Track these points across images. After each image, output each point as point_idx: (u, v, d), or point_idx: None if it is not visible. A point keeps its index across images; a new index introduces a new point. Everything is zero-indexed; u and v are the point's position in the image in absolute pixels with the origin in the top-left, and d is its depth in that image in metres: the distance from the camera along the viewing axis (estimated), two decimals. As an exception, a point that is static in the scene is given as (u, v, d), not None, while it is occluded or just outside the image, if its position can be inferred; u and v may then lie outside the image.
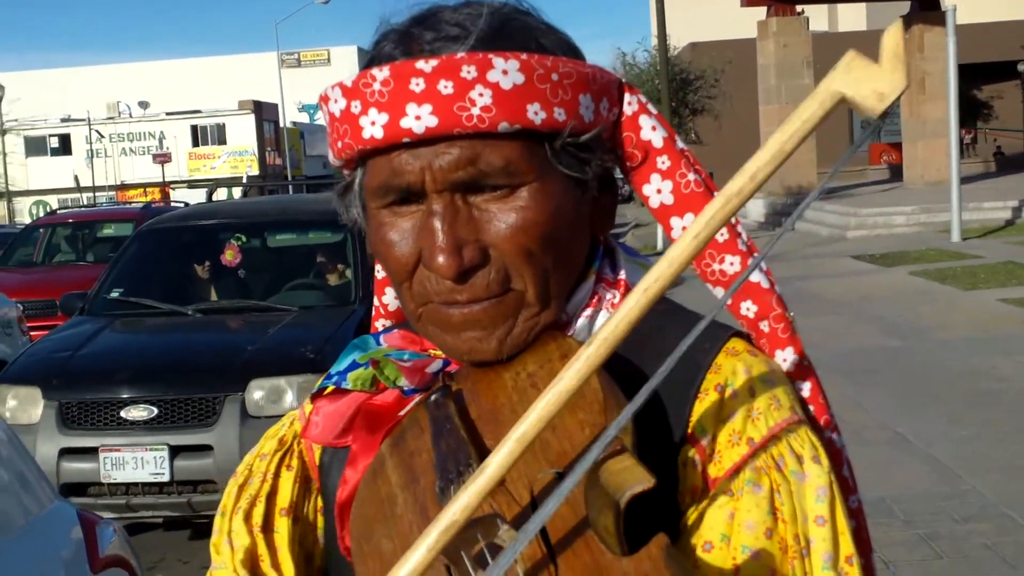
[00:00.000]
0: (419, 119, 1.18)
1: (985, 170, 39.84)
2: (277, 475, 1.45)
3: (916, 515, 6.87)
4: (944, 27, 24.59)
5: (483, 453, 1.16)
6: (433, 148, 1.20)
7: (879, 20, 52.72)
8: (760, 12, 32.64)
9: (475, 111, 1.17)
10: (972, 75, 43.83)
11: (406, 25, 1.27)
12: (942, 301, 15.42)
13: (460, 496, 0.99)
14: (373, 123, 1.20)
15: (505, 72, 1.18)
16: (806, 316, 13.73)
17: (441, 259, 1.20)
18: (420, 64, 1.18)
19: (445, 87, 1.17)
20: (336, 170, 1.36)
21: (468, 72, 1.17)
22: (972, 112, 47.81)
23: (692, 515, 1.20)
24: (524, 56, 1.19)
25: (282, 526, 1.42)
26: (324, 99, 1.28)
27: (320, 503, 1.45)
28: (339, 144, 1.26)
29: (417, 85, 1.18)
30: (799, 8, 32.61)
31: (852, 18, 61.10)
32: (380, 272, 1.54)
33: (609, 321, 0.99)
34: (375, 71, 1.20)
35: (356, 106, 1.22)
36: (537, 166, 1.22)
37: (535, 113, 1.19)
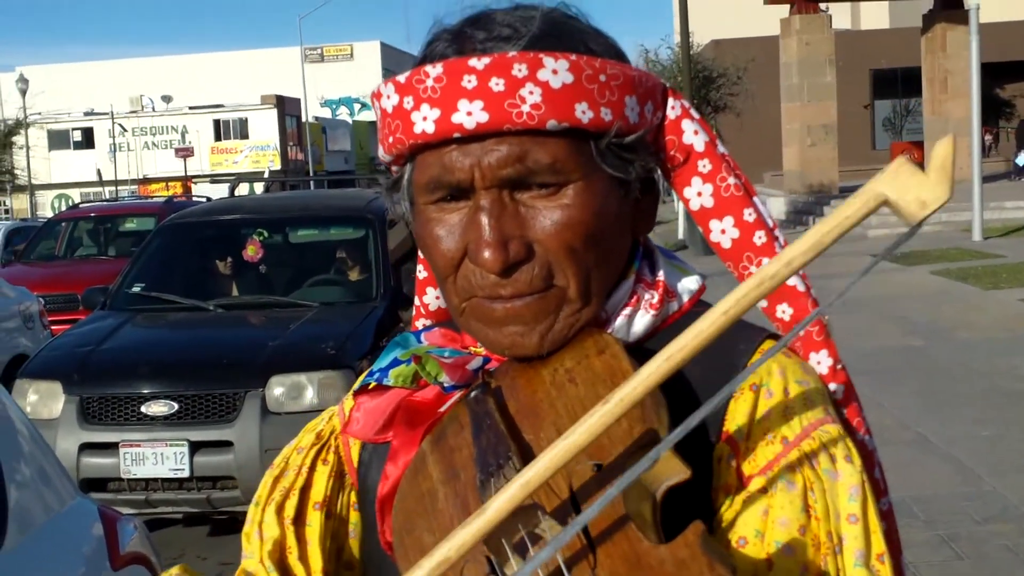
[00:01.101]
0: (470, 115, 1.21)
1: (1007, 169, 39.68)
2: (312, 469, 1.48)
3: (937, 516, 6.85)
4: (967, 26, 24.46)
5: (522, 447, 1.19)
6: (482, 144, 1.23)
7: (902, 18, 52.49)
8: (783, 9, 32.51)
9: (525, 108, 1.20)
10: (994, 74, 43.65)
11: (459, 25, 1.30)
12: (963, 301, 15.38)
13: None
14: (425, 118, 1.23)
15: (555, 71, 1.21)
16: (843, 315, 13.68)
17: (487, 253, 1.23)
18: (472, 61, 1.21)
19: (496, 84, 1.20)
20: (384, 166, 1.38)
21: (519, 70, 1.20)
22: (994, 111, 47.60)
23: (726, 511, 1.22)
24: (573, 57, 1.23)
25: (315, 520, 1.46)
26: (377, 95, 1.30)
27: (353, 499, 1.48)
28: (390, 139, 1.29)
29: (469, 82, 1.21)
30: (822, 6, 32.47)
31: (875, 16, 60.85)
32: (422, 272, 1.58)
33: (629, 382, 1.03)
34: (428, 68, 1.23)
35: (409, 101, 1.24)
36: (583, 165, 1.25)
37: (583, 112, 1.22)
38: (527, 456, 1.16)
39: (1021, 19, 46.86)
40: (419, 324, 1.59)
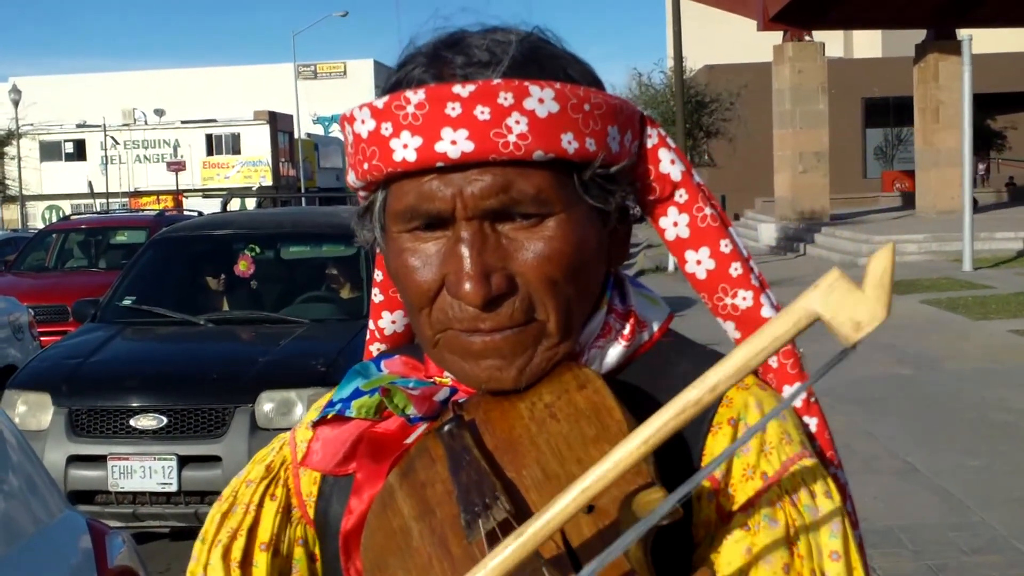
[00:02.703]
0: (455, 144, 1.16)
1: (997, 200, 39.84)
2: (260, 505, 1.44)
3: (925, 546, 6.84)
4: (959, 56, 24.54)
5: (506, 484, 1.16)
6: (464, 174, 1.19)
7: (894, 48, 52.72)
8: (776, 36, 32.66)
9: (511, 138, 1.17)
10: (986, 105, 43.84)
11: (434, 48, 1.26)
12: (953, 331, 15.40)
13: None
14: (405, 146, 1.18)
15: (541, 100, 1.18)
16: (815, 342, 13.63)
17: (468, 286, 1.19)
18: (457, 88, 1.17)
19: (482, 113, 1.16)
20: (352, 191, 1.34)
21: (505, 99, 1.17)
22: (986, 142, 47.77)
23: (707, 549, 1.20)
24: (558, 85, 1.19)
25: (261, 561, 1.42)
26: (349, 120, 1.26)
27: (299, 533, 1.45)
28: (365, 165, 1.24)
29: (453, 109, 1.17)
30: (815, 33, 32.62)
31: (867, 45, 61.14)
32: (377, 296, 1.55)
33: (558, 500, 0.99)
34: (409, 93, 1.18)
35: (387, 128, 1.20)
36: (565, 196, 1.22)
37: (568, 143, 1.19)
38: (512, 495, 1.14)
39: (1013, 51, 47.11)
40: (372, 348, 1.57)
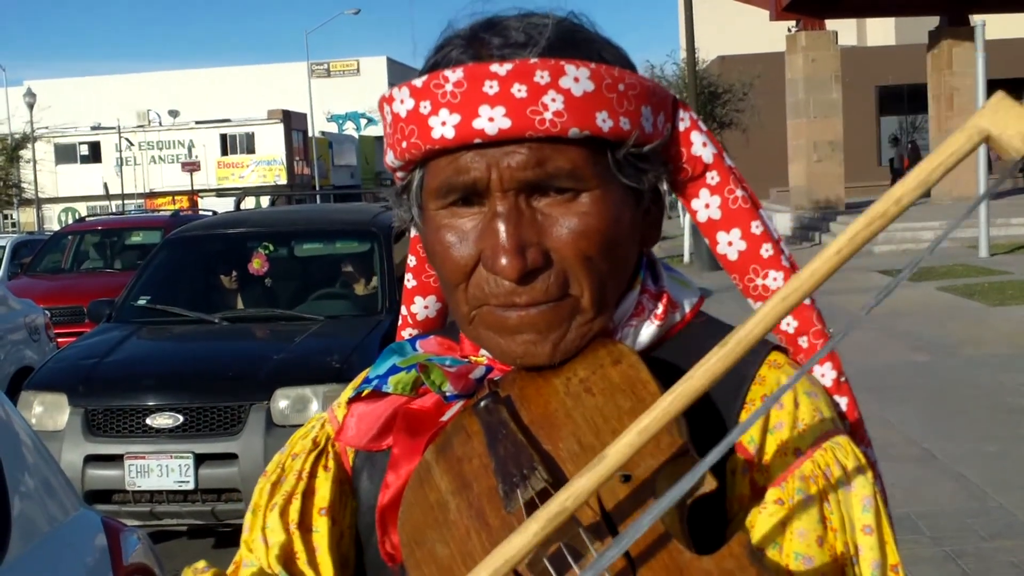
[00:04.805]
0: (492, 121, 1.19)
1: (1013, 186, 39.66)
2: (313, 475, 1.44)
3: (943, 532, 6.83)
4: (973, 42, 24.44)
5: (543, 456, 1.18)
6: (501, 149, 1.21)
7: (908, 35, 52.57)
8: (789, 26, 32.55)
9: (547, 115, 1.19)
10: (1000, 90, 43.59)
11: (472, 31, 1.28)
12: (970, 317, 15.35)
13: (575, 482, 1.01)
14: (444, 123, 1.21)
15: (576, 79, 1.20)
16: (832, 327, 13.63)
17: (504, 260, 1.21)
18: (494, 67, 1.20)
19: (519, 91, 1.19)
20: (390, 171, 1.36)
21: (541, 77, 1.19)
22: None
23: (742, 523, 1.22)
24: (593, 65, 1.22)
25: (321, 526, 1.42)
26: (388, 100, 1.28)
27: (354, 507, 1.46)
28: (403, 144, 1.26)
29: (491, 87, 1.19)
30: (828, 22, 32.49)
31: (881, 33, 60.95)
32: (410, 282, 1.57)
33: (744, 325, 1.02)
34: (447, 72, 1.21)
35: (426, 106, 1.22)
36: (599, 174, 1.24)
37: (603, 121, 1.22)
38: (550, 466, 1.16)
39: (1027, 36, 46.86)
40: (404, 334, 1.58)
